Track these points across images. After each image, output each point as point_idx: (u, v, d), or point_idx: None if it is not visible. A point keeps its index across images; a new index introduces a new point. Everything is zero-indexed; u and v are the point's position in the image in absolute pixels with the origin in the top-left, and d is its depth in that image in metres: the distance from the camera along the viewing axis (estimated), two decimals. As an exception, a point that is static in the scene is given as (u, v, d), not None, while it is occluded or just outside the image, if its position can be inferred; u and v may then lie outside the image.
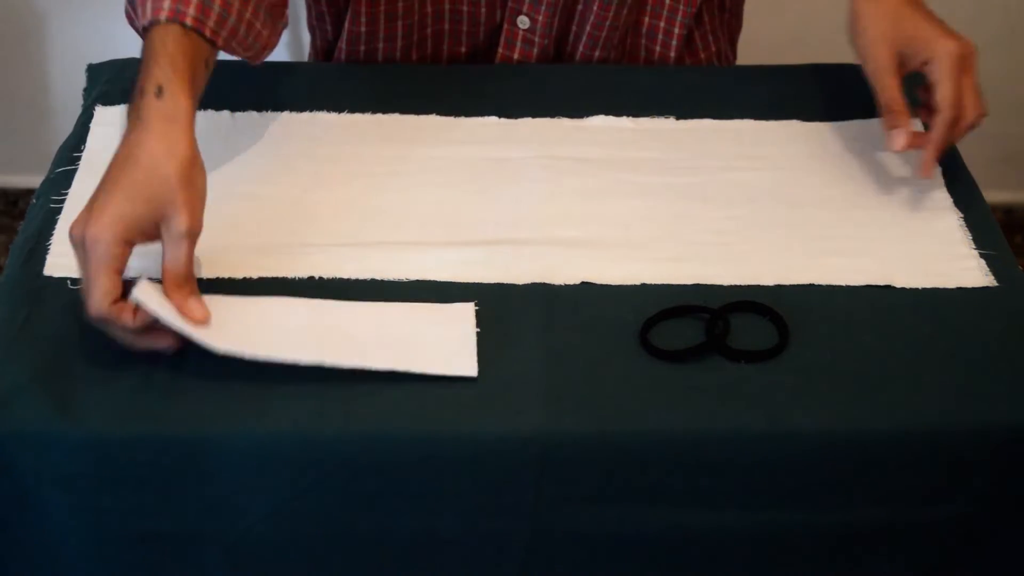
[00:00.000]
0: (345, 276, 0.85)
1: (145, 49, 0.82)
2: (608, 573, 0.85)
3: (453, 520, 0.81)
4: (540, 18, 1.06)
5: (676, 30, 1.10)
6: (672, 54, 1.11)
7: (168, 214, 0.76)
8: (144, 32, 0.83)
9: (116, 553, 0.83)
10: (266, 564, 0.83)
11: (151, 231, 0.77)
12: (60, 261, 0.85)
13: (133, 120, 0.79)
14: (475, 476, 0.78)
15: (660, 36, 1.10)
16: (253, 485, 0.78)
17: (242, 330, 0.78)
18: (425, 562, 0.84)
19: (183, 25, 0.81)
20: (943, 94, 0.90)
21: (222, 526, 0.80)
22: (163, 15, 0.81)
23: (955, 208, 0.92)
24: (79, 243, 0.75)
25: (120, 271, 0.75)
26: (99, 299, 0.74)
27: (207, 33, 0.83)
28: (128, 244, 0.76)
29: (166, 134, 0.77)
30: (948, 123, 0.90)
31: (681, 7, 1.08)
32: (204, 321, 0.76)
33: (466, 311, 0.82)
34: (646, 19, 1.10)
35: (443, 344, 0.80)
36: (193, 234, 0.77)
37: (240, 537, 0.81)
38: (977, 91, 0.91)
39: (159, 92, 0.79)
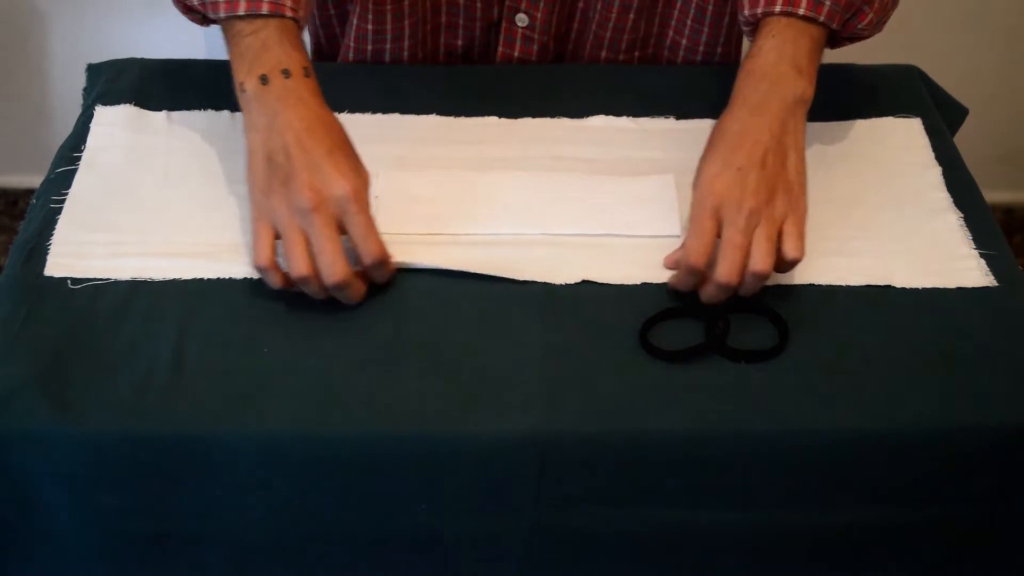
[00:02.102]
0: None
1: (252, 35, 0.84)
2: (608, 573, 0.85)
3: (453, 520, 0.81)
4: (539, 15, 1.06)
5: (701, 48, 1.10)
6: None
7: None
8: (232, 19, 0.85)
9: (116, 553, 0.83)
10: (266, 564, 0.83)
11: None
12: (60, 261, 0.85)
13: (284, 97, 0.82)
14: (475, 476, 0.78)
15: (681, 52, 1.11)
16: (253, 485, 0.78)
17: (469, 210, 0.89)
18: (425, 562, 0.84)
19: (283, 16, 0.85)
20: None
21: (222, 526, 0.81)
22: (264, 8, 0.84)
23: (955, 208, 0.92)
24: (327, 203, 0.78)
25: None
26: (379, 245, 0.80)
27: (300, 19, 0.86)
28: None
29: (325, 106, 0.84)
30: (681, 262, 0.82)
31: (706, 29, 1.08)
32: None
33: (666, 182, 0.92)
34: (670, 32, 1.10)
35: (648, 210, 0.90)
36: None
37: (240, 537, 0.81)
38: (727, 246, 0.79)
39: (307, 72, 0.84)
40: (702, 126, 0.99)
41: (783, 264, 0.82)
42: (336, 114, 0.98)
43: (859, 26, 0.90)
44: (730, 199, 0.81)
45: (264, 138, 0.81)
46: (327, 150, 0.80)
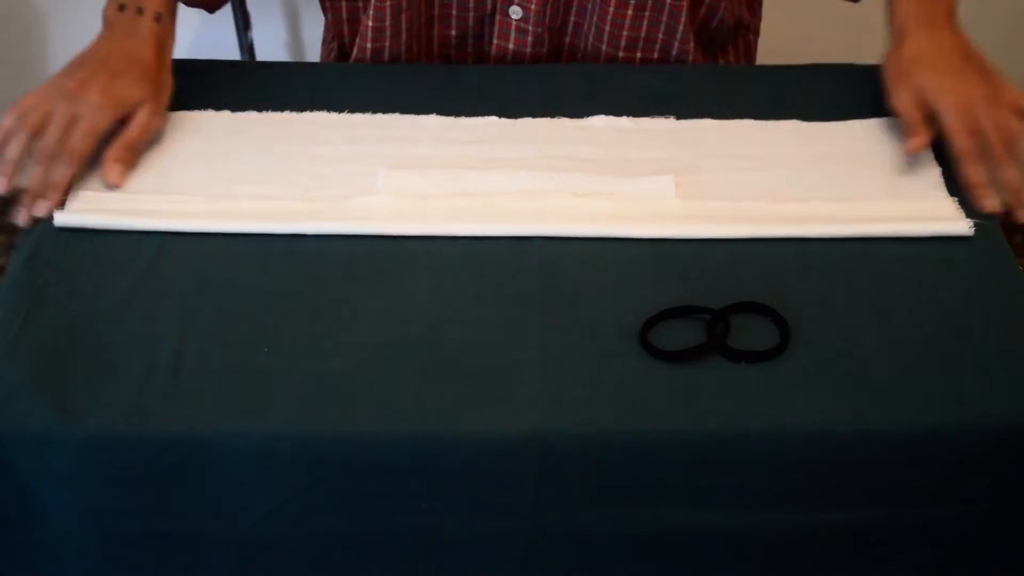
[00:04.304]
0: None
1: None
2: (608, 573, 0.85)
3: (453, 520, 0.81)
4: (533, 7, 1.06)
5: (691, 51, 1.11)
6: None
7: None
8: None
9: (116, 553, 0.83)
10: (266, 564, 0.84)
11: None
12: (71, 215, 0.88)
13: (126, 26, 0.95)
14: (475, 476, 0.78)
15: (674, 55, 1.11)
16: (253, 485, 0.78)
17: (469, 209, 0.91)
18: (425, 562, 0.84)
19: None
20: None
21: (222, 526, 0.81)
22: None
23: (966, 220, 0.92)
24: (75, 97, 0.90)
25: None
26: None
27: None
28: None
29: (152, 48, 0.95)
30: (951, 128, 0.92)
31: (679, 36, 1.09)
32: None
33: (666, 182, 0.93)
34: (675, 44, 1.10)
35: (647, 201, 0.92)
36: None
37: (240, 537, 0.81)
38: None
39: (158, 18, 0.96)
40: (703, 126, 0.99)
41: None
42: (337, 113, 0.98)
43: None
44: (974, 99, 0.91)
45: (95, 46, 0.95)
46: (120, 72, 0.92)
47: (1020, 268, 0.88)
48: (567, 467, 0.78)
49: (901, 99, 0.95)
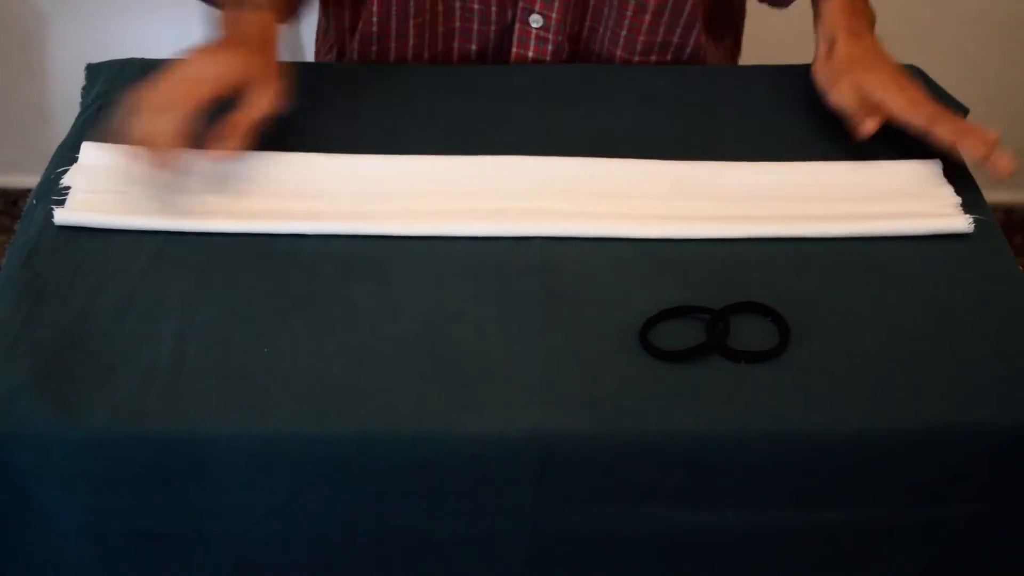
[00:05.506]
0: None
1: None
2: (608, 573, 0.85)
3: (453, 520, 0.81)
4: (554, 15, 1.06)
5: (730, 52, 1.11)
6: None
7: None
8: None
9: (116, 553, 0.83)
10: (266, 564, 0.83)
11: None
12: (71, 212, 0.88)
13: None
14: (475, 476, 0.78)
15: (687, 54, 1.12)
16: (253, 485, 0.78)
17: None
18: (425, 562, 0.84)
19: None
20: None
21: (222, 526, 0.81)
22: None
23: (965, 216, 0.92)
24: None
25: None
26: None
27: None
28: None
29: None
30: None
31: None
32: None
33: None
34: (691, 41, 1.10)
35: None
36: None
37: (240, 537, 0.81)
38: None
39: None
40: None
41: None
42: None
43: None
44: (905, 86, 0.97)
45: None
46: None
47: (1020, 268, 0.89)
48: (567, 467, 0.78)
49: (844, 93, 0.98)
